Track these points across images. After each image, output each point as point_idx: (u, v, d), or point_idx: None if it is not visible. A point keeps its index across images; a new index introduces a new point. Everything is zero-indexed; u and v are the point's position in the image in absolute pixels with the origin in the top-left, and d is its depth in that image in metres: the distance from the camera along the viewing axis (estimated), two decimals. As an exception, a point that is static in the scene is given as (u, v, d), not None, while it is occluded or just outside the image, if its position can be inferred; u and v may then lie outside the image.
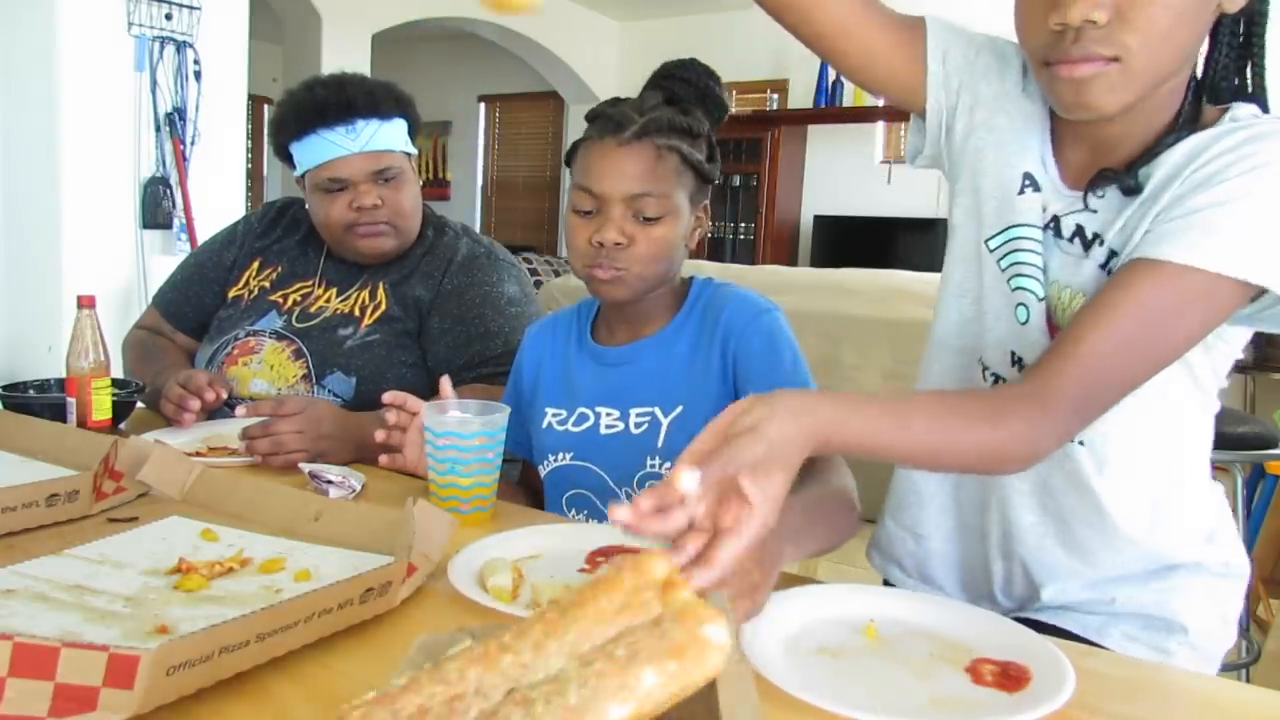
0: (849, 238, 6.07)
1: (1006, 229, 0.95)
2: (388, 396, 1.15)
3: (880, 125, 6.19)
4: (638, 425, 1.15)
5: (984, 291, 0.98)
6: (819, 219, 6.27)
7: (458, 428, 1.05)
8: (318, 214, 1.54)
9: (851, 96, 6.01)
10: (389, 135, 1.51)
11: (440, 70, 7.73)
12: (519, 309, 1.55)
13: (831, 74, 6.04)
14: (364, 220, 1.50)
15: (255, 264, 1.64)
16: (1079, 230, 0.90)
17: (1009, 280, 0.95)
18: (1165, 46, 0.80)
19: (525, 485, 1.34)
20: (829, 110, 6.08)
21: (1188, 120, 0.85)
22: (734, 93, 6.70)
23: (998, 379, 0.97)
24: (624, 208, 1.09)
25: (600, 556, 0.93)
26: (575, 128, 7.25)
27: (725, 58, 6.63)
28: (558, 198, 7.64)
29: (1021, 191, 0.94)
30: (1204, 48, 0.87)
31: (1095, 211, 0.89)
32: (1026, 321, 0.93)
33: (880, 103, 6.04)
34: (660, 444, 1.13)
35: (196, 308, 1.66)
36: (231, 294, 1.63)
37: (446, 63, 7.66)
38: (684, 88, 1.14)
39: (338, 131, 1.47)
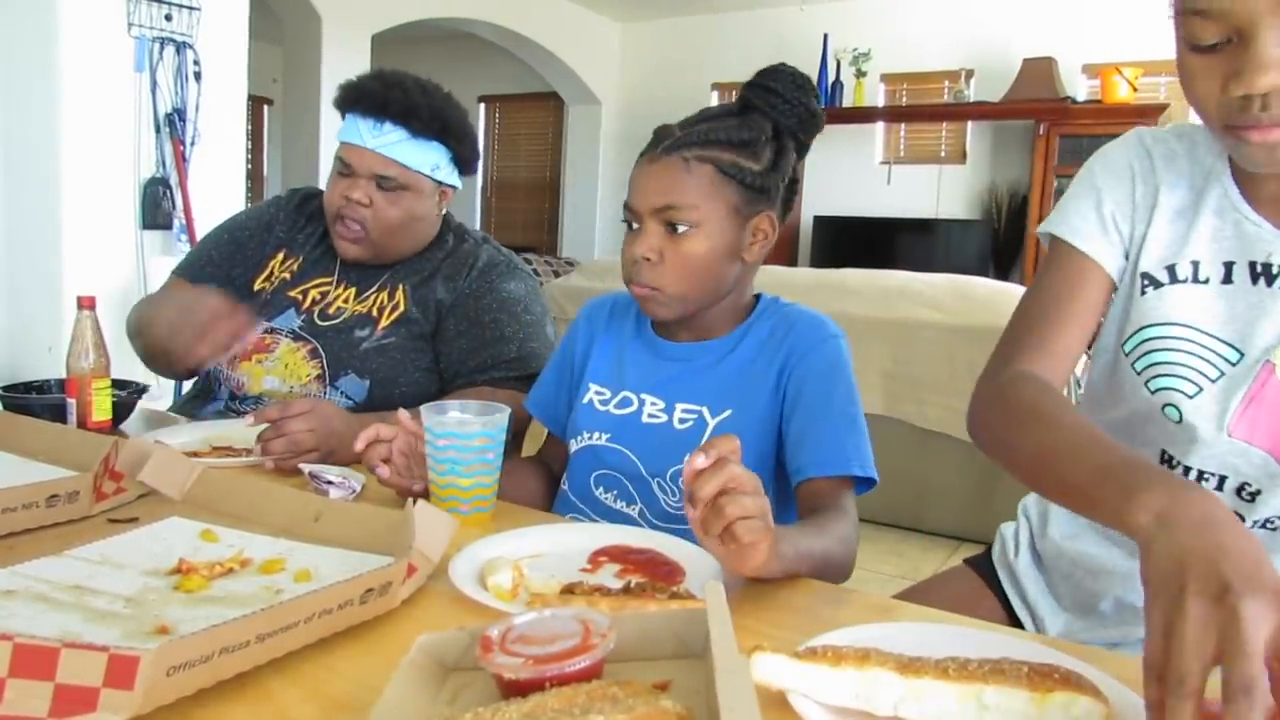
0: (849, 238, 6.08)
1: (1139, 330, 0.93)
2: (358, 445, 1.08)
3: (880, 126, 6.20)
4: (682, 421, 1.16)
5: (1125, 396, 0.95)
6: (819, 219, 6.27)
7: (458, 428, 1.04)
8: (327, 188, 1.57)
9: (851, 96, 6.02)
10: (411, 151, 1.51)
11: (440, 71, 7.63)
12: (535, 318, 1.55)
13: (831, 74, 6.05)
14: (345, 213, 1.51)
15: (280, 254, 1.64)
16: None
17: (1146, 382, 0.93)
18: None
19: (542, 463, 1.33)
20: (829, 110, 5.98)
21: None
22: (734, 93, 6.70)
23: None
24: (653, 221, 1.11)
25: (602, 556, 0.93)
26: (575, 128, 7.26)
27: (725, 58, 6.64)
28: (558, 198, 7.64)
29: (1144, 292, 0.93)
30: None
31: None
32: (1179, 422, 0.90)
33: (880, 103, 6.07)
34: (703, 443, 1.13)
35: (222, 274, 1.62)
36: (256, 285, 1.62)
37: (446, 63, 7.65)
38: (765, 97, 1.13)
39: (367, 123, 1.50)
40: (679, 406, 1.16)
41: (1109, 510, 0.70)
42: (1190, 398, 0.89)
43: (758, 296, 1.23)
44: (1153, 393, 0.92)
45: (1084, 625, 1.03)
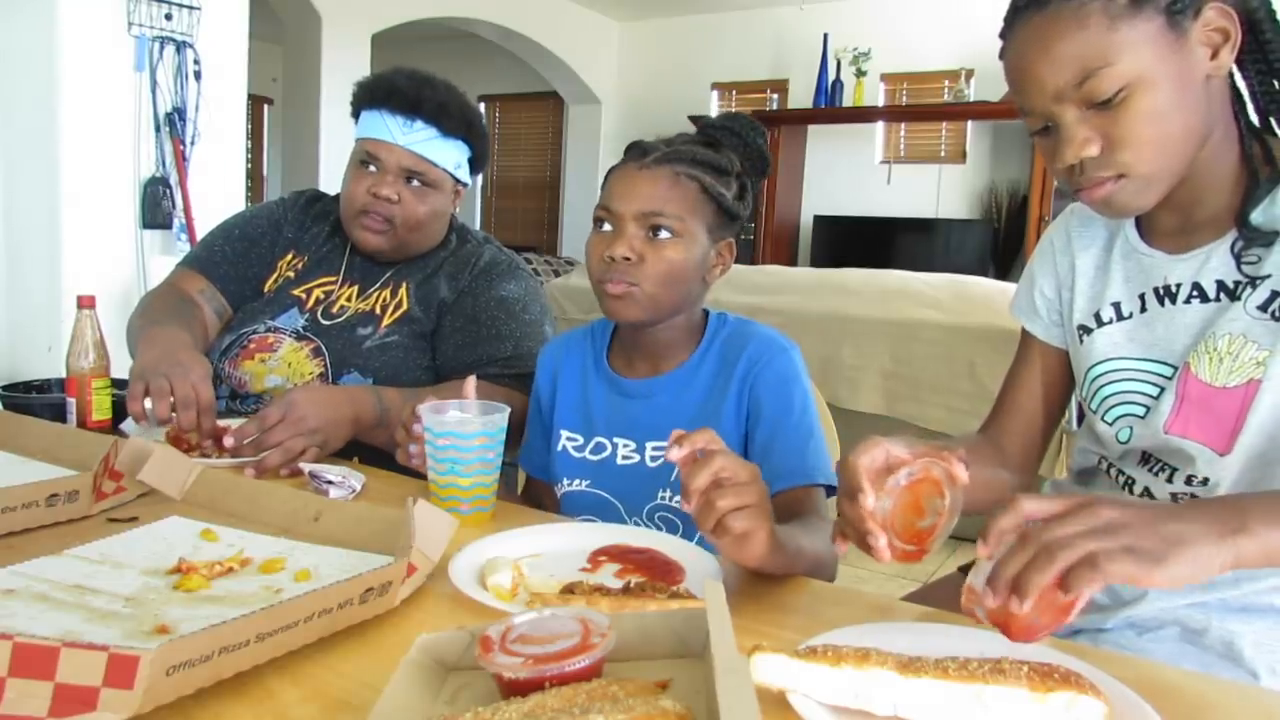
0: (849, 238, 6.07)
1: (1083, 374, 1.04)
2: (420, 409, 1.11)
3: (880, 125, 6.20)
4: (654, 459, 1.18)
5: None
6: (819, 219, 6.27)
7: (458, 428, 1.05)
8: (345, 184, 1.57)
9: (851, 96, 6.02)
10: (440, 149, 1.53)
11: (440, 70, 7.53)
12: (533, 318, 1.55)
13: (831, 74, 6.04)
14: (372, 209, 1.51)
15: (290, 254, 1.64)
16: (1221, 285, 0.94)
17: (1103, 416, 1.02)
18: (1165, 146, 0.87)
19: (529, 499, 1.35)
20: (829, 110, 6.08)
21: (1268, 159, 0.91)
22: (734, 93, 6.71)
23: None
24: (636, 225, 1.13)
25: (602, 556, 0.93)
26: (575, 128, 7.26)
27: (725, 58, 6.64)
28: (558, 198, 7.64)
29: (1081, 341, 1.04)
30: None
31: (1251, 262, 0.91)
32: (1129, 441, 0.99)
33: (880, 103, 6.07)
34: (673, 477, 1.16)
35: (239, 273, 1.62)
36: (266, 286, 1.62)
37: (446, 63, 7.64)
38: (728, 136, 1.19)
39: (398, 119, 1.51)
40: (649, 445, 1.19)
41: None
42: (1142, 418, 0.98)
43: (706, 313, 1.25)
44: (1110, 424, 1.01)
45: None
